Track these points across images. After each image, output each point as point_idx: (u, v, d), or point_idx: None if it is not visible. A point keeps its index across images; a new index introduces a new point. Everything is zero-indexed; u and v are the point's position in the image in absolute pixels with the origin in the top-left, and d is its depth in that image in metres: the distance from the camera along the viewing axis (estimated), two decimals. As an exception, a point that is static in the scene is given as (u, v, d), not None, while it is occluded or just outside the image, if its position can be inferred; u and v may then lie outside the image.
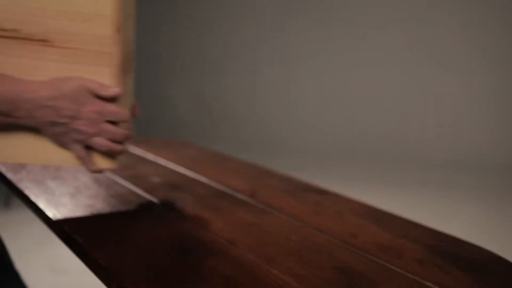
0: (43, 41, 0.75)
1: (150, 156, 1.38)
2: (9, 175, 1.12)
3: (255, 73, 5.38)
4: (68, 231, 0.86)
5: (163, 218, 0.92)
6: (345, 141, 4.75)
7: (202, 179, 1.17)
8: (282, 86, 5.22)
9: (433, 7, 4.44)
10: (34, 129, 0.77)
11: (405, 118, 4.65)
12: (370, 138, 4.68)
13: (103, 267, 0.74)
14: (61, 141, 0.77)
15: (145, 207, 0.97)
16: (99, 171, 0.81)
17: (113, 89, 0.77)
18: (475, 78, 4.39)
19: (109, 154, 0.80)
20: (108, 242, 0.82)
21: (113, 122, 0.79)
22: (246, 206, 1.00)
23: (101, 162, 0.82)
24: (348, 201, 1.07)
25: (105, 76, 0.78)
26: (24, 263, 1.64)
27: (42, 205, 0.96)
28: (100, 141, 0.78)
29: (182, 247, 0.80)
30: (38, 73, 0.76)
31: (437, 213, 3.12)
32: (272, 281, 0.71)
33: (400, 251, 0.81)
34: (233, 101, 5.49)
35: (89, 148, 0.79)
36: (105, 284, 0.74)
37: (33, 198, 0.99)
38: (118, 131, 0.79)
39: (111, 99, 0.78)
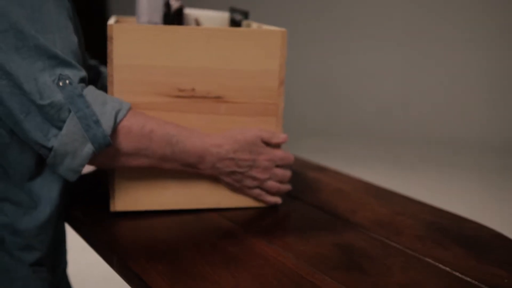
0: (217, 98, 0.83)
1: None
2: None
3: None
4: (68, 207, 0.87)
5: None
6: (345, 120, 4.74)
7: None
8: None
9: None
10: (213, 178, 0.84)
11: (406, 98, 4.64)
12: (370, 117, 4.68)
13: (103, 242, 0.74)
14: (237, 187, 0.85)
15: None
16: (278, 201, 0.88)
17: (282, 136, 0.85)
18: (476, 58, 4.37)
19: (277, 193, 0.88)
20: (108, 217, 0.83)
21: (279, 166, 0.86)
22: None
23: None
24: (348, 179, 1.07)
25: (272, 125, 0.86)
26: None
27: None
28: (272, 184, 0.86)
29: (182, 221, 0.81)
30: (212, 126, 0.84)
31: (437, 192, 3.12)
32: (271, 257, 0.71)
33: (399, 227, 0.82)
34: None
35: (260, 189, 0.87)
36: (106, 260, 0.74)
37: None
38: (286, 173, 0.87)
39: (278, 145, 0.86)
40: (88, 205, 0.87)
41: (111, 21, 0.85)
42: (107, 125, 0.71)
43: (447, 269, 0.68)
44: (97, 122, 0.70)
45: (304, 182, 1.02)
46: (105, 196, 0.87)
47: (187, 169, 0.81)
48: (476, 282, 0.65)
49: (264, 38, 0.82)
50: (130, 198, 0.83)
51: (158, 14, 0.89)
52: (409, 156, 3.94)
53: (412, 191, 3.08)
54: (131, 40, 0.78)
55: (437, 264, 0.69)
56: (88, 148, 0.71)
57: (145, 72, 0.80)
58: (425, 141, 4.31)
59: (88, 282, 2.01)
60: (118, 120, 0.73)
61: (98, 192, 0.92)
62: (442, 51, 4.54)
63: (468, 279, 0.66)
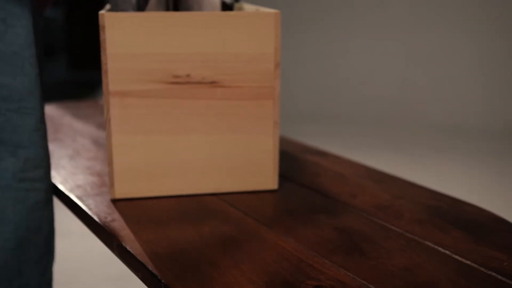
0: (213, 83, 0.83)
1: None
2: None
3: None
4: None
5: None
6: (344, 105, 4.73)
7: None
8: (282, 51, 5.18)
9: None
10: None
11: (405, 82, 4.62)
12: (370, 102, 4.67)
13: (102, 227, 0.74)
14: None
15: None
16: None
17: None
18: (476, 43, 4.35)
19: None
20: (109, 202, 0.83)
21: None
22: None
23: None
24: (348, 163, 1.06)
25: (269, 109, 0.86)
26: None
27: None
28: None
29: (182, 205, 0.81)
30: (208, 111, 0.84)
31: (437, 176, 3.13)
32: (271, 241, 0.71)
33: (399, 211, 0.82)
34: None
35: None
36: (106, 244, 0.74)
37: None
38: None
39: None
40: (86, 188, 0.87)
41: (104, 10, 0.85)
42: None
43: (447, 252, 0.68)
44: None
45: (304, 166, 1.02)
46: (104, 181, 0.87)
47: None
48: (476, 265, 0.65)
49: (258, 21, 0.82)
50: (130, 185, 0.83)
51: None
52: (409, 141, 3.94)
53: (411, 176, 3.08)
54: (123, 28, 0.78)
55: (436, 247, 0.69)
56: None
57: (139, 60, 0.79)
58: (425, 126, 4.31)
59: (89, 266, 2.02)
60: None
61: (96, 178, 0.92)
62: (442, 36, 4.52)
63: (468, 262, 0.66)
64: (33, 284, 0.82)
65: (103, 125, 0.81)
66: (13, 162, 0.77)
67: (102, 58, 0.79)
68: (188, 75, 0.82)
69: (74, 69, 6.24)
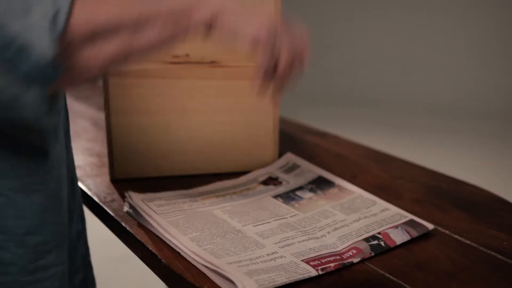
0: (212, 63, 0.82)
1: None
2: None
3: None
4: (68, 173, 0.87)
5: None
6: (344, 87, 4.72)
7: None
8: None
9: None
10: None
11: (405, 64, 4.60)
12: (370, 84, 4.65)
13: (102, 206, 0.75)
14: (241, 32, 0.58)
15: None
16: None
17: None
18: (476, 24, 4.32)
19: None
20: (108, 182, 0.83)
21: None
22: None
23: None
24: (348, 143, 1.06)
25: (269, 89, 0.81)
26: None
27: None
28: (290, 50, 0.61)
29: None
30: (208, 92, 0.83)
31: (436, 157, 3.13)
32: (272, 221, 0.71)
33: (399, 191, 0.81)
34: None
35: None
36: (106, 224, 0.75)
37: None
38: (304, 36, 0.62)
39: None
40: (86, 169, 0.87)
41: None
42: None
43: (446, 232, 0.68)
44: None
45: (304, 147, 1.01)
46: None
47: (176, 28, 0.54)
48: (476, 245, 0.65)
49: None
50: (130, 166, 0.83)
51: None
52: (408, 122, 3.93)
53: (411, 157, 3.08)
54: None
55: (436, 227, 0.69)
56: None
57: None
58: (424, 107, 4.29)
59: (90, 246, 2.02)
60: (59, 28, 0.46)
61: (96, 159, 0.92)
62: (442, 18, 4.48)
63: (468, 241, 0.66)
64: None
65: (103, 106, 0.81)
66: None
67: None
68: (187, 55, 0.81)
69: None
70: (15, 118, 0.49)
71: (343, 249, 0.62)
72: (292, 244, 0.63)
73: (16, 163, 0.54)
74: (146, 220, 0.67)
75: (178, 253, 0.61)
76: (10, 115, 0.48)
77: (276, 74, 0.61)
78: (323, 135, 1.10)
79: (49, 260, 0.59)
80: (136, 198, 0.72)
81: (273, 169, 0.87)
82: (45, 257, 0.59)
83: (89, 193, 0.79)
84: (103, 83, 0.80)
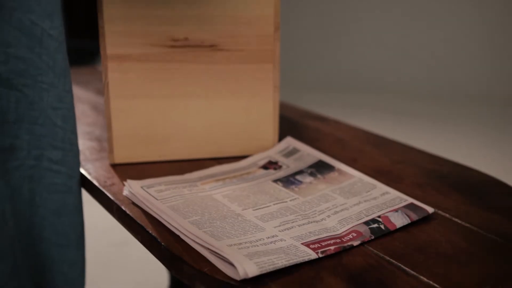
0: (212, 46, 0.81)
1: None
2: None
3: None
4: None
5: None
6: (345, 72, 4.71)
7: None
8: (283, 16, 5.12)
9: None
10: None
11: (406, 49, 4.59)
12: (371, 69, 4.64)
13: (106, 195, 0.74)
14: None
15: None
16: None
17: None
18: (477, 9, 4.30)
19: None
20: (108, 166, 0.82)
21: None
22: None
23: None
24: (348, 128, 1.06)
25: (269, 72, 0.84)
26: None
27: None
28: None
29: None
30: (208, 75, 0.82)
31: (437, 142, 3.13)
32: (272, 204, 0.71)
33: (399, 175, 0.81)
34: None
35: None
36: (106, 209, 0.75)
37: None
38: None
39: None
40: (86, 153, 0.87)
41: None
42: None
43: (447, 215, 0.68)
44: None
45: (304, 131, 1.01)
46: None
47: None
48: (476, 228, 0.65)
49: None
50: (129, 150, 0.83)
51: None
52: (409, 108, 3.93)
53: (412, 142, 3.08)
54: None
55: (437, 210, 0.69)
56: None
57: (136, 23, 0.78)
58: (425, 93, 4.29)
59: (91, 232, 2.03)
60: None
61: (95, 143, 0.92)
62: (443, 3, 4.46)
63: (468, 225, 0.66)
64: None
65: (102, 91, 0.81)
66: (28, 139, 0.73)
67: (99, 21, 0.77)
68: (186, 38, 0.80)
69: (70, 39, 6.18)
70: None
71: (343, 232, 0.62)
72: (292, 227, 0.63)
73: None
74: (147, 207, 0.67)
75: (178, 236, 0.61)
76: None
77: None
78: (323, 119, 1.10)
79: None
80: (135, 186, 0.72)
81: (273, 153, 0.86)
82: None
83: (88, 177, 0.79)
84: (103, 67, 0.79)
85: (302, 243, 0.59)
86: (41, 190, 0.75)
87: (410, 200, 0.69)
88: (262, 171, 0.80)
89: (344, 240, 0.60)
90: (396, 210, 0.66)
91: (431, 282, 0.53)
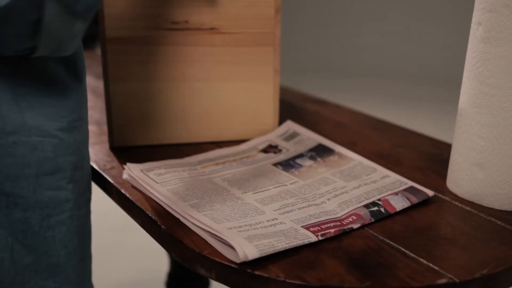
0: (212, 29, 0.81)
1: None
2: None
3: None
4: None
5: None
6: (345, 56, 4.69)
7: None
8: (284, 1, 5.09)
9: None
10: None
11: (406, 34, 4.57)
12: (371, 54, 4.63)
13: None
14: None
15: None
16: None
17: None
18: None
19: None
20: (107, 150, 0.82)
21: None
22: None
23: None
24: (348, 111, 1.06)
25: (269, 55, 0.84)
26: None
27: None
28: None
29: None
30: (208, 58, 0.82)
31: (437, 127, 3.12)
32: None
33: (399, 158, 0.81)
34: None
35: None
36: (106, 192, 0.74)
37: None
38: None
39: None
40: (86, 139, 0.87)
41: None
42: None
43: (446, 198, 0.68)
44: None
45: (304, 115, 1.01)
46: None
47: None
48: (475, 211, 0.65)
49: None
50: (129, 134, 0.83)
51: None
52: (409, 92, 3.92)
53: (412, 126, 3.07)
54: None
55: (437, 194, 0.69)
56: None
57: (136, 5, 0.77)
58: (426, 77, 4.28)
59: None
60: None
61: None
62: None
63: (467, 208, 0.66)
64: None
65: (101, 75, 0.80)
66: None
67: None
68: (186, 21, 0.80)
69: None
70: (65, 48, 0.57)
71: (343, 215, 0.62)
72: (292, 210, 0.63)
73: (59, 105, 0.61)
74: (147, 190, 0.67)
75: (178, 219, 0.61)
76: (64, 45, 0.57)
77: None
78: (323, 103, 1.10)
79: (89, 194, 0.68)
80: (135, 169, 0.71)
81: (273, 137, 0.86)
82: (88, 190, 0.67)
83: (88, 161, 0.78)
84: (102, 51, 0.79)
85: (302, 226, 0.59)
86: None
87: (410, 183, 0.69)
88: (262, 155, 0.80)
89: (344, 223, 0.60)
90: (396, 193, 0.66)
91: (431, 265, 0.53)
